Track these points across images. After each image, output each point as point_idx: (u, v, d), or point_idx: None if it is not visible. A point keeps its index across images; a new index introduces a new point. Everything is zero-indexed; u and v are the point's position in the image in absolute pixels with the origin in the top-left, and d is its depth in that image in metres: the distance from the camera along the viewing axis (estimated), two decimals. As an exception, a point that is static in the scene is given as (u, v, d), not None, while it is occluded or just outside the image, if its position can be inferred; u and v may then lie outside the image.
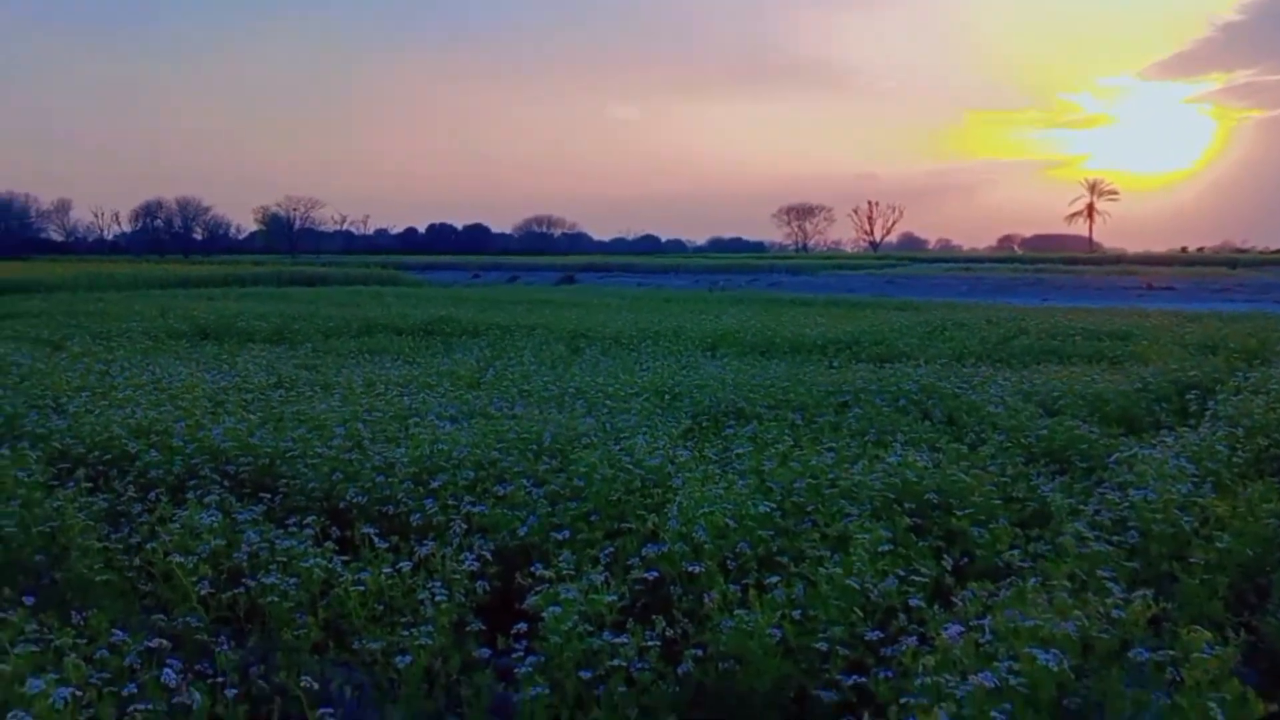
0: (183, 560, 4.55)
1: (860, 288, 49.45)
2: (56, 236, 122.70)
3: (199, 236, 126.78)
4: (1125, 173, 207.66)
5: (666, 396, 9.56)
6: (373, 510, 5.88)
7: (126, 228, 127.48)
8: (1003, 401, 8.91)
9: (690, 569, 4.43)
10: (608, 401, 9.22)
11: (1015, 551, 4.85)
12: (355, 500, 5.95)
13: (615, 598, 4.00)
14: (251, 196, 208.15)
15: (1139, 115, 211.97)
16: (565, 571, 4.35)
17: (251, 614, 4.44)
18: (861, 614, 3.91)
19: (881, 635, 3.77)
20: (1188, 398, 9.38)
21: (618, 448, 6.74)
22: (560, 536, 5.06)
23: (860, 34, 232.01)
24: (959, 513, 5.32)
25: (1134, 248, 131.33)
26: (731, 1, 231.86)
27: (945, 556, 4.69)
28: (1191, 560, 4.62)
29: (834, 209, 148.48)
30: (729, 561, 4.66)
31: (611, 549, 4.92)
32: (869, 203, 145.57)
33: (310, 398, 9.76)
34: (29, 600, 4.35)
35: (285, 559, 4.70)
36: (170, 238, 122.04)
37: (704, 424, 8.29)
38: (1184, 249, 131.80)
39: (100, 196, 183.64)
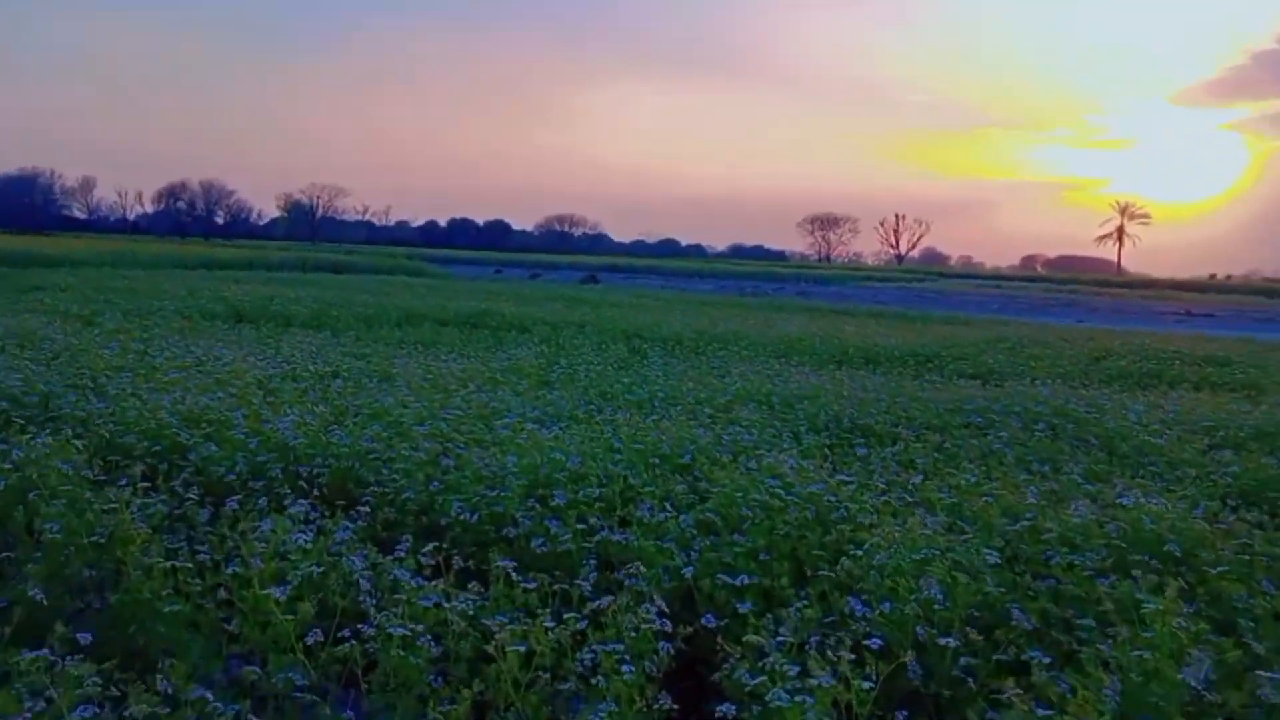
0: (278, 595, 3.57)
1: (891, 300, 48.29)
2: (79, 214, 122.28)
3: (221, 220, 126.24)
4: (1148, 199, 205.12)
5: (768, 407, 8.56)
6: (485, 531, 4.90)
7: (149, 208, 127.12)
8: (1161, 431, 7.88)
9: (940, 640, 3.43)
10: (706, 410, 8.23)
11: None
12: (461, 517, 4.97)
13: (870, 684, 2.99)
14: (275, 183, 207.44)
15: (1166, 140, 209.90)
16: (769, 638, 3.37)
17: (369, 669, 3.47)
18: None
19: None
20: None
21: (753, 466, 5.75)
22: (732, 581, 4.07)
23: (888, 47, 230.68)
24: (1210, 569, 4.33)
25: (1158, 273, 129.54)
26: (757, 9, 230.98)
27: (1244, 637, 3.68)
28: None
29: (858, 220, 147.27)
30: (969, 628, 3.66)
31: (803, 603, 3.93)
32: (896, 216, 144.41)
33: (372, 390, 8.80)
34: (84, 638, 3.40)
35: (404, 596, 3.72)
36: (192, 220, 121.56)
37: (828, 441, 7.29)
38: (1212, 276, 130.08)
39: (123, 176, 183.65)
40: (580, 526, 4.70)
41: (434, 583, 3.91)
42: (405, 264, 56.05)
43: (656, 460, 5.94)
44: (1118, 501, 4.83)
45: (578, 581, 3.86)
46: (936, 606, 3.70)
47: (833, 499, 5.12)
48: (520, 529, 4.75)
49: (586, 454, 5.91)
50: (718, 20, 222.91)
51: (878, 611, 3.69)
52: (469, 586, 3.98)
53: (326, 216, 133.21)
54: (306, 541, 4.14)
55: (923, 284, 79.34)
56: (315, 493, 5.47)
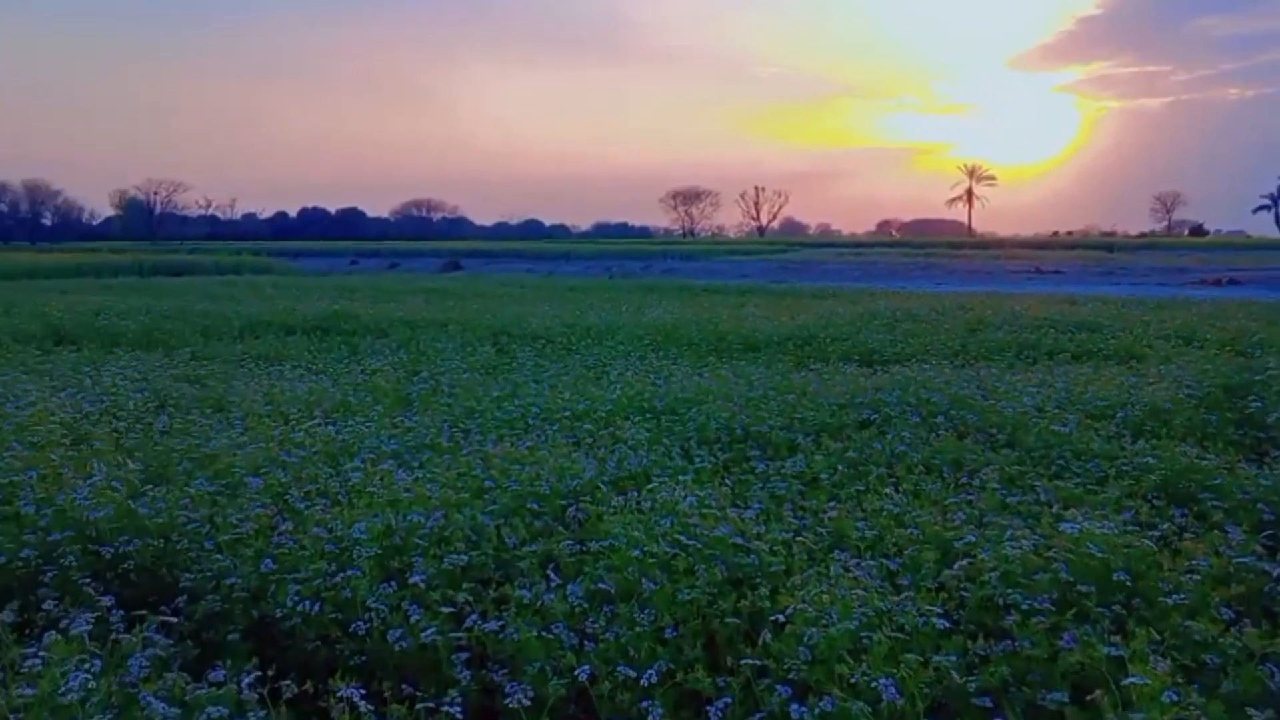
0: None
1: (756, 273, 48.53)
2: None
3: (49, 223, 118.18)
4: (991, 161, 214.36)
5: (654, 417, 7.86)
6: (326, 622, 4.03)
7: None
8: (1061, 416, 7.54)
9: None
10: (586, 426, 7.47)
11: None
12: (299, 608, 4.08)
13: None
14: (107, 179, 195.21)
15: (1004, 104, 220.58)
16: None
17: None
18: None
19: None
20: (1249, 409, 8.18)
21: (647, 504, 5.04)
22: (637, 677, 3.34)
23: (740, 21, 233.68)
24: (1165, 599, 3.86)
25: (1005, 232, 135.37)
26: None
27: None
28: None
29: (719, 194, 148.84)
30: (928, 724, 3.03)
31: (726, 701, 3.22)
32: (756, 188, 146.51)
33: (204, 427, 7.71)
34: None
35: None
36: (15, 224, 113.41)
37: (721, 454, 6.63)
38: (1055, 233, 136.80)
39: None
40: (447, 610, 3.89)
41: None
42: (252, 261, 53.18)
43: (535, 504, 5.15)
44: (1060, 530, 4.28)
45: (446, 708, 3.05)
46: (886, 698, 3.06)
47: (740, 541, 4.44)
48: (372, 620, 3.90)
49: (451, 503, 5.08)
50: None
51: (817, 713, 3.02)
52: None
53: (166, 213, 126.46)
54: (89, 678, 3.20)
55: (786, 255, 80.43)
56: (119, 584, 4.50)
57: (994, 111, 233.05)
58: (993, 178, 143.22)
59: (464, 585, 4.12)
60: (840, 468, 6.07)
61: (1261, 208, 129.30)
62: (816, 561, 4.22)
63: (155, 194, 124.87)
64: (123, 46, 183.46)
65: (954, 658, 3.33)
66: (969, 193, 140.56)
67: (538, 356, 12.79)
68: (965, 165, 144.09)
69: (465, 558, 4.33)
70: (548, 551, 4.48)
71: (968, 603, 3.82)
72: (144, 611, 3.89)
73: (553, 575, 4.15)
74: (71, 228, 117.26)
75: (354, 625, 3.88)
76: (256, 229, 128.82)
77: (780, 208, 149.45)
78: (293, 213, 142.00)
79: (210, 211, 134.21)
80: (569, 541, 4.49)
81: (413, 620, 3.82)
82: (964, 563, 4.02)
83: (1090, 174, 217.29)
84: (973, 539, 4.28)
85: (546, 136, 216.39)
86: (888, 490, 5.37)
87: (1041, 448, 6.81)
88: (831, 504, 5.04)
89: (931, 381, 9.03)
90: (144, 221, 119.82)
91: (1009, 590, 3.86)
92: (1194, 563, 4.14)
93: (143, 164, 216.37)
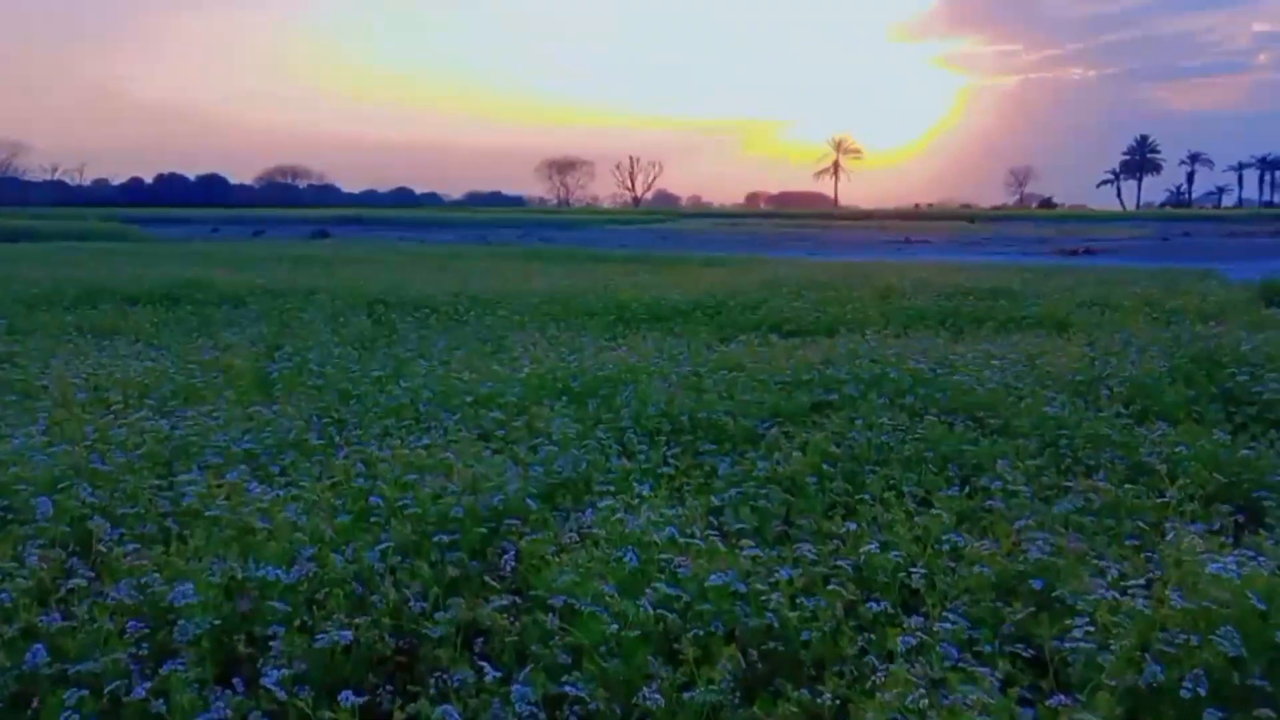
0: None
1: (635, 242, 47.29)
2: None
3: None
4: (859, 134, 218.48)
5: (574, 401, 6.49)
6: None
7: None
8: (1044, 396, 6.50)
9: None
10: (495, 414, 6.04)
11: None
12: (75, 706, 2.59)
13: None
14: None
15: (877, 76, 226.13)
16: None
17: None
18: None
19: None
20: (1229, 382, 7.33)
21: (598, 530, 3.70)
22: None
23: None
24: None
25: (867, 205, 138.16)
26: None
27: None
28: None
29: (594, 164, 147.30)
30: None
31: None
32: (630, 158, 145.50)
33: (-3, 421, 5.99)
34: None
35: None
36: None
37: (668, 450, 5.30)
38: (916, 205, 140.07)
39: None
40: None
41: None
42: (102, 228, 48.81)
43: (444, 536, 3.74)
44: (1196, 564, 3.11)
45: None
46: None
47: (742, 589, 3.15)
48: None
49: (325, 539, 3.63)
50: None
51: None
52: None
53: (7, 176, 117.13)
54: None
55: (663, 225, 79.55)
56: None
57: (866, 84, 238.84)
58: (859, 151, 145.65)
59: (347, 681, 2.70)
60: (825, 466, 4.84)
61: (1105, 182, 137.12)
62: (860, 624, 2.97)
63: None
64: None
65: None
66: (835, 166, 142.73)
67: (421, 327, 11.21)
68: (833, 139, 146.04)
69: (348, 635, 2.90)
70: (471, 619, 3.08)
71: (1098, 688, 2.61)
72: None
73: (484, 666, 2.76)
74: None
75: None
76: (109, 195, 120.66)
77: (655, 179, 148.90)
78: (149, 179, 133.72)
79: (57, 177, 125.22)
80: (502, 599, 3.10)
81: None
82: (1085, 626, 2.82)
83: (946, 148, 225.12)
84: (1107, 595, 2.97)
85: (413, 99, 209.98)
86: (908, 505, 4.13)
87: (1039, 433, 5.75)
88: (850, 526, 3.77)
89: (879, 354, 7.94)
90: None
91: (1158, 670, 2.66)
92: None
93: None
